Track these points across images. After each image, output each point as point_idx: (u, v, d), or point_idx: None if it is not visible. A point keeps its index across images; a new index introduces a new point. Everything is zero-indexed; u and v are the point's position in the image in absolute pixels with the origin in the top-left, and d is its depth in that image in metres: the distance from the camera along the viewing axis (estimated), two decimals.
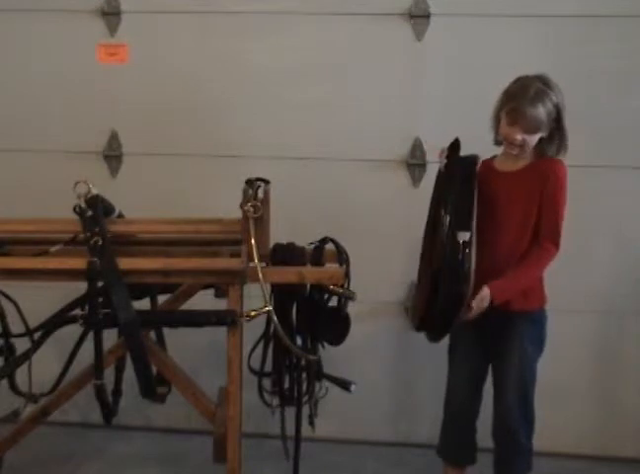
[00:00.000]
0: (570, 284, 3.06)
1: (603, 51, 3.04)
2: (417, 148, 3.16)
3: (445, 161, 2.46)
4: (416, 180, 3.13)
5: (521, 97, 2.37)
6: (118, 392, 2.64)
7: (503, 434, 2.52)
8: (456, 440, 2.60)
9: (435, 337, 2.46)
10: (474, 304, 2.33)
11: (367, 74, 3.15)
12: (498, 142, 2.51)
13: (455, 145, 2.44)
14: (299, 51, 3.16)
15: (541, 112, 2.36)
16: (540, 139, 2.41)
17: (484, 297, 2.34)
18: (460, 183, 2.35)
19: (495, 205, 2.44)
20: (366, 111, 3.15)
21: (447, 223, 2.31)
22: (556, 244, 2.43)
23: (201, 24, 3.20)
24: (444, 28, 3.10)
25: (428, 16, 3.10)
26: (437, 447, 2.64)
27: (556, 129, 2.42)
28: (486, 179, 2.47)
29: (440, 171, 2.50)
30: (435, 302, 2.34)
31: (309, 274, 2.37)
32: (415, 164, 3.15)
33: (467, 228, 2.27)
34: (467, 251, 2.26)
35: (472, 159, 2.43)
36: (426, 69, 3.12)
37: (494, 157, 2.54)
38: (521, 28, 3.06)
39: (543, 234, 2.43)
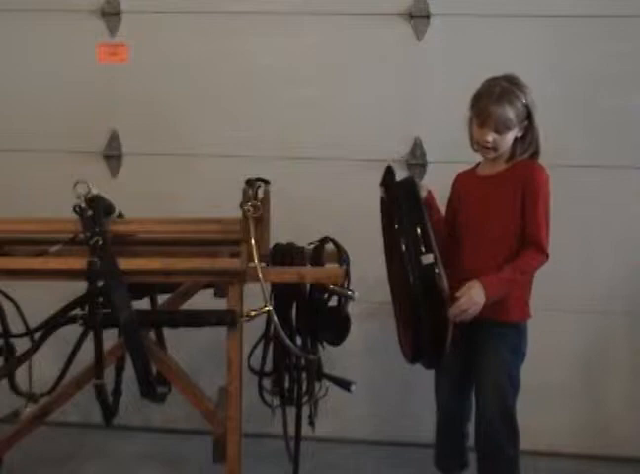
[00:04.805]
0: (571, 285, 3.07)
1: (604, 52, 3.05)
2: (417, 148, 3.16)
3: (383, 188, 2.42)
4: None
5: (487, 97, 2.37)
6: (118, 392, 2.64)
7: (486, 446, 2.45)
8: (447, 449, 2.58)
9: (432, 365, 2.42)
10: (463, 300, 2.29)
11: (367, 74, 3.15)
12: (475, 148, 2.50)
13: (390, 171, 2.42)
14: (300, 51, 3.17)
15: (508, 110, 2.34)
16: (515, 140, 2.40)
17: (474, 290, 2.30)
18: (406, 207, 2.29)
19: (474, 209, 2.44)
20: (366, 111, 3.16)
21: (407, 251, 2.23)
22: (540, 250, 2.36)
23: (202, 24, 3.21)
24: (444, 28, 3.11)
25: (428, 16, 3.11)
26: (433, 460, 2.62)
27: (528, 130, 2.40)
28: (466, 185, 2.50)
29: (382, 200, 2.46)
30: (419, 334, 2.28)
31: (309, 273, 2.36)
32: (415, 164, 3.15)
33: (428, 249, 2.22)
34: (436, 271, 2.21)
35: (409, 179, 2.44)
36: (426, 69, 3.12)
37: (478, 164, 2.54)
38: (521, 28, 3.07)
39: (527, 241, 2.37)
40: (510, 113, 2.35)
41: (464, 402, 2.55)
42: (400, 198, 2.33)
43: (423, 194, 2.45)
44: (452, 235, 2.50)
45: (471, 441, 2.52)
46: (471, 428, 2.52)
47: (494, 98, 2.35)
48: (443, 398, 2.55)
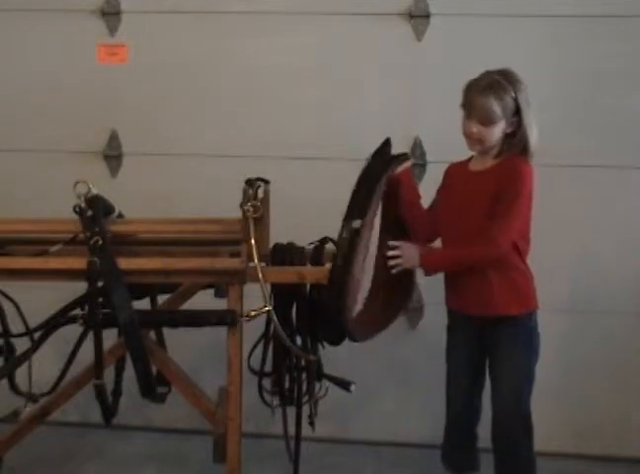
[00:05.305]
0: (570, 285, 3.07)
1: (603, 51, 3.05)
2: (417, 148, 3.16)
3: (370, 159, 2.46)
4: (416, 179, 3.13)
5: (475, 88, 2.35)
6: (118, 392, 2.64)
7: (503, 446, 2.46)
8: (456, 446, 2.57)
9: (353, 336, 2.38)
10: (398, 251, 2.35)
11: (367, 74, 3.16)
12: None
13: (387, 143, 2.45)
14: (299, 51, 3.17)
15: (493, 102, 2.31)
16: (505, 136, 2.38)
17: (413, 253, 2.36)
18: (372, 177, 2.37)
19: (461, 204, 2.42)
20: (366, 110, 3.16)
21: (346, 217, 2.29)
22: (494, 244, 2.31)
23: (201, 24, 3.21)
24: (444, 28, 3.11)
25: (428, 16, 3.11)
26: (440, 456, 2.62)
27: (517, 126, 2.36)
28: (455, 179, 2.49)
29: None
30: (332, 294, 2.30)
31: (309, 273, 2.37)
32: (415, 164, 3.14)
33: (360, 216, 2.25)
34: (358, 238, 2.23)
35: (397, 156, 2.46)
36: (426, 69, 3.12)
37: (471, 158, 2.52)
38: (521, 28, 3.07)
39: (489, 230, 2.32)
40: (495, 105, 2.32)
41: (474, 403, 2.55)
42: (371, 170, 2.40)
43: (404, 166, 2.47)
44: (436, 223, 2.50)
45: (487, 443, 2.51)
46: (485, 430, 2.52)
47: (481, 89, 2.34)
48: (454, 398, 2.55)
